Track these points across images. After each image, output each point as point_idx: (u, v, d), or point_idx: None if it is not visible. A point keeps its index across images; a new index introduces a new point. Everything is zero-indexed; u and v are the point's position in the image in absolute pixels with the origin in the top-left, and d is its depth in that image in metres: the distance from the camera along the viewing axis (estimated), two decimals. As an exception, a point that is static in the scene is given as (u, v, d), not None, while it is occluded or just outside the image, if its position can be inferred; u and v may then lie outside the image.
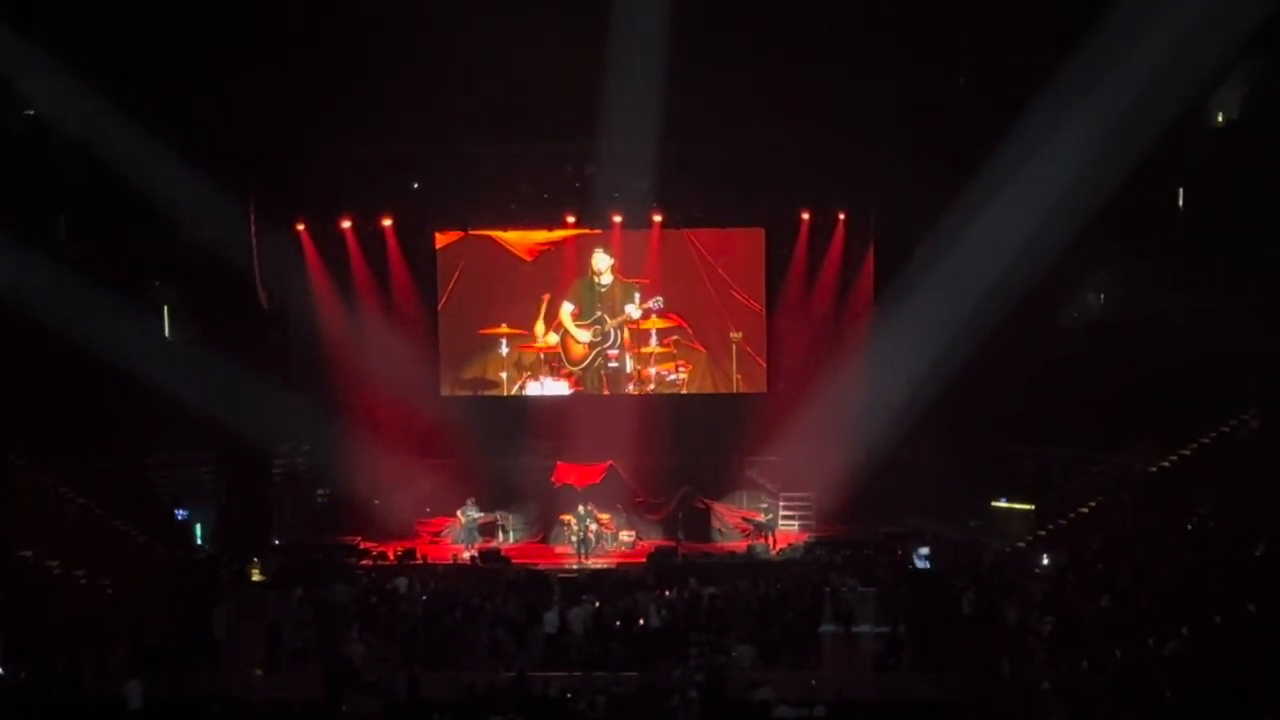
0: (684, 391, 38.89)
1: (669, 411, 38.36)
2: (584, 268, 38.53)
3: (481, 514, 36.43)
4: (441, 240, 38.75)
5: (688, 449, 38.05)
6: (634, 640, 27.39)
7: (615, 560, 34.92)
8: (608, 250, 38.33)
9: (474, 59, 31.41)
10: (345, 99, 33.59)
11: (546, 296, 38.51)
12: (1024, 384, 34.20)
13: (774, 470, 38.04)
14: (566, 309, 38.59)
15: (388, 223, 38.05)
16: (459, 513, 36.26)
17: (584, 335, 38.59)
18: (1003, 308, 32.28)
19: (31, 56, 30.56)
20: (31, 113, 33.50)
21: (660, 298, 38.18)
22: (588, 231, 38.24)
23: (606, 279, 38.41)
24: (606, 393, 38.87)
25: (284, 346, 38.35)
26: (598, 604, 28.73)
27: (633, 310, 38.43)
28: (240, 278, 36.30)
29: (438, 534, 37.17)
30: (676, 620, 28.13)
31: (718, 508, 37.68)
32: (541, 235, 38.49)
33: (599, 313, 38.50)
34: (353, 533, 36.77)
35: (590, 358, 38.67)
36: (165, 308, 37.35)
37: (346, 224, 37.94)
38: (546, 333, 38.67)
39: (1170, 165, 31.76)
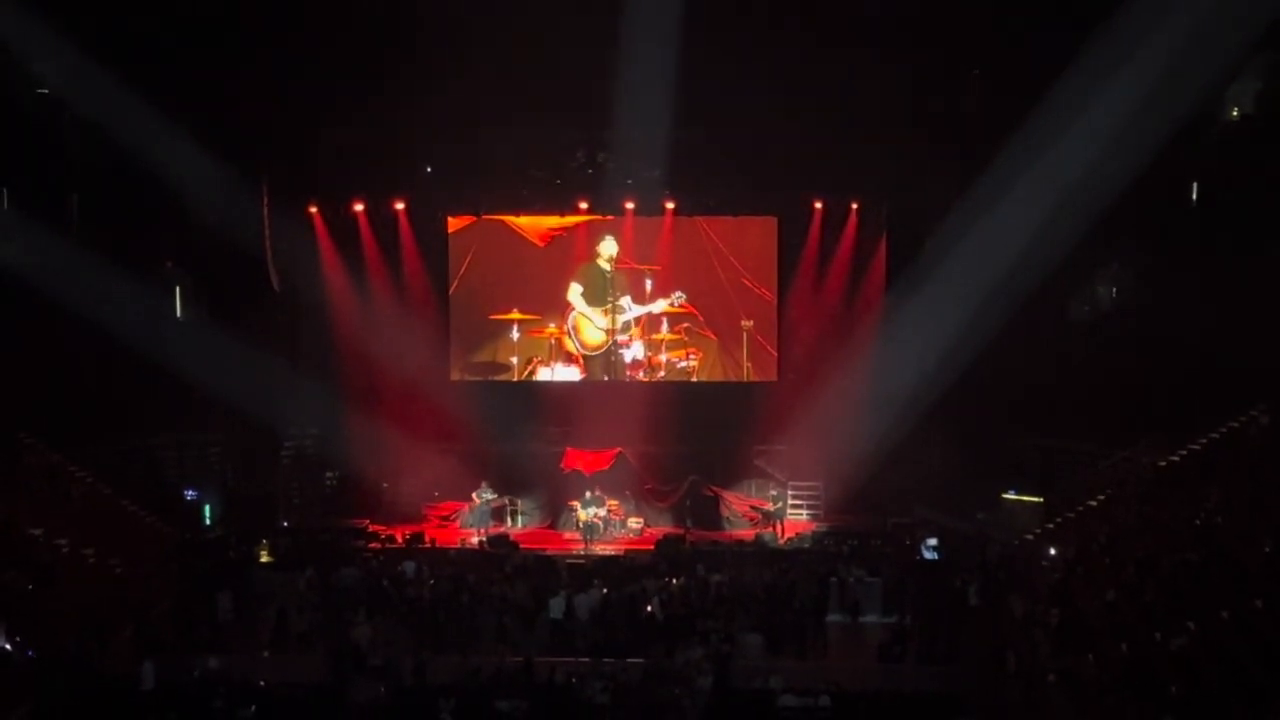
0: (694, 379, 38.88)
1: (679, 399, 38.34)
2: (594, 252, 38.53)
3: (495, 496, 36.51)
4: (453, 224, 38.75)
5: (697, 437, 38.08)
6: (640, 627, 27.44)
7: (623, 547, 34.99)
8: (616, 237, 38.31)
9: (488, 43, 31.41)
10: (359, 82, 33.61)
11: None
12: (1034, 376, 34.15)
13: (783, 459, 38.01)
14: (575, 290, 38.60)
15: (400, 206, 38.08)
16: (474, 494, 36.31)
17: (602, 321, 38.61)
18: (1014, 300, 32.21)
19: (45, 36, 30.55)
20: (45, 92, 33.50)
21: (681, 293, 38.13)
22: (600, 218, 38.24)
23: (613, 260, 38.44)
24: (616, 379, 38.83)
25: (295, 329, 38.40)
26: (605, 590, 28.77)
27: (628, 301, 38.43)
28: (252, 259, 36.36)
29: (446, 518, 37.22)
30: (680, 607, 28.16)
31: (726, 496, 37.69)
32: (554, 221, 38.51)
33: (618, 300, 38.47)
34: (361, 516, 36.79)
35: (608, 344, 38.69)
36: (177, 289, 37.40)
37: (359, 207, 38.00)
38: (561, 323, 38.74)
39: (1184, 159, 31.63)
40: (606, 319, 38.60)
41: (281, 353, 37.33)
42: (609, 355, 38.77)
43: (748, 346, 38.61)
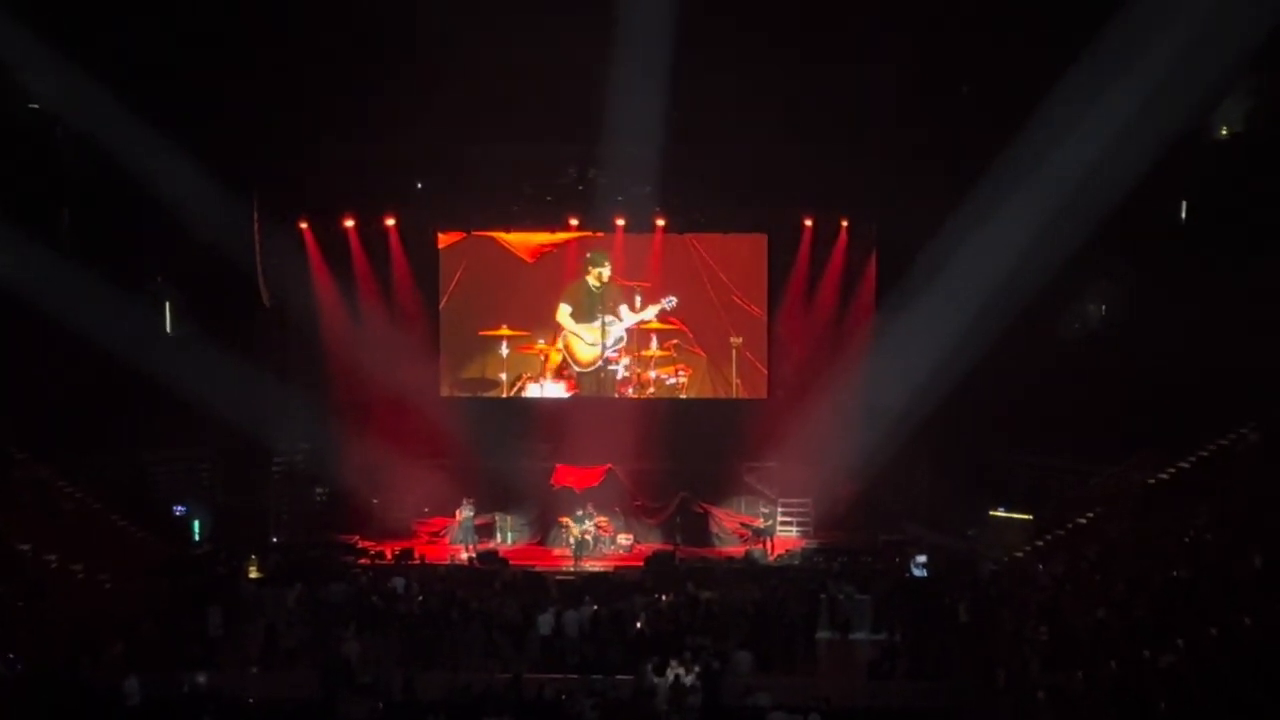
0: (683, 396, 38.87)
1: (668, 416, 38.32)
2: (583, 270, 38.50)
3: (474, 514, 36.40)
4: (444, 240, 38.78)
5: (687, 453, 37.99)
6: (630, 643, 27.38)
7: (613, 563, 34.95)
8: (608, 255, 38.32)
9: (479, 60, 31.46)
10: (350, 98, 33.60)
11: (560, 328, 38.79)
12: (1023, 394, 34.15)
13: (773, 476, 38.01)
14: (564, 310, 38.59)
15: (390, 222, 38.09)
16: (458, 511, 36.25)
17: (591, 337, 38.58)
18: (1003, 317, 32.19)
19: (37, 50, 30.53)
20: (36, 107, 33.51)
21: (673, 297, 38.13)
22: (590, 234, 38.25)
23: (604, 277, 38.39)
24: (605, 395, 38.80)
25: (285, 344, 38.29)
26: (595, 607, 28.71)
27: (625, 311, 38.43)
28: (242, 275, 36.31)
29: (436, 534, 37.19)
30: (670, 624, 28.08)
31: (716, 513, 37.67)
32: (543, 237, 38.53)
33: (607, 316, 38.46)
34: (351, 532, 36.76)
35: (599, 361, 38.67)
36: (167, 304, 37.34)
37: (349, 223, 37.97)
38: (552, 342, 38.73)
39: (1173, 177, 31.68)
40: (597, 335, 38.55)
41: (272, 368, 37.29)
42: (599, 372, 38.76)
43: (737, 363, 38.63)
